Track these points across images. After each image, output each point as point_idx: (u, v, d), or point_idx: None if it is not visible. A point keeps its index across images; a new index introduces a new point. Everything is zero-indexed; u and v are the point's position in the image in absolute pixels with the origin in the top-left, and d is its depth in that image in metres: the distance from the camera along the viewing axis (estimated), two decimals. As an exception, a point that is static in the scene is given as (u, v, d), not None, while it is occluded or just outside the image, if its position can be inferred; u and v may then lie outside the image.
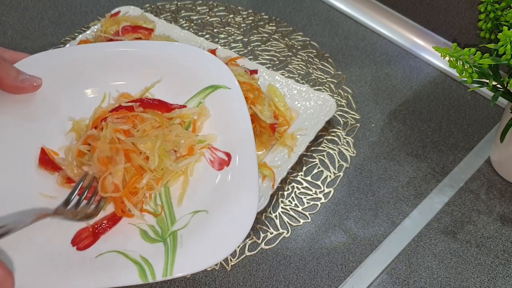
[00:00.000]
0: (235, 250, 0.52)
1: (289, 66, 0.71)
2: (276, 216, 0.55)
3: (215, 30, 0.76)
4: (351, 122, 0.64)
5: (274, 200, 0.56)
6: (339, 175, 0.59)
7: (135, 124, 0.45)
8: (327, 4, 0.81)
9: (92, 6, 0.79)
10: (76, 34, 0.74)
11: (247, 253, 0.52)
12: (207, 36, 0.75)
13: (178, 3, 0.80)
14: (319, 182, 0.58)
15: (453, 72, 0.67)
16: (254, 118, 0.56)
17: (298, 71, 0.71)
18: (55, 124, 0.46)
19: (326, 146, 0.62)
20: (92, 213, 0.42)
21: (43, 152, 0.44)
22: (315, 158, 0.60)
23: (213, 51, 0.65)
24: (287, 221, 0.55)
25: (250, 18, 0.78)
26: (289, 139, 0.57)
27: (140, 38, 0.61)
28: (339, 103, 0.66)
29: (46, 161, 0.44)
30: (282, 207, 0.56)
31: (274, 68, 0.71)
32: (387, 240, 0.53)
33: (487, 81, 0.48)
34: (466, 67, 0.47)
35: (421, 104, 0.67)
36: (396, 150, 0.62)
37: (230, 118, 0.46)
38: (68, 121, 0.47)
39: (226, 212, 0.41)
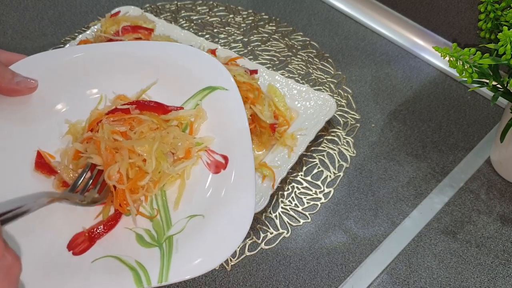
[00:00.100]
0: (235, 250, 0.52)
1: (289, 66, 0.71)
2: (276, 216, 0.55)
3: (215, 30, 0.76)
4: (351, 122, 0.64)
5: (274, 200, 0.56)
6: (339, 175, 0.59)
7: (132, 126, 0.44)
8: (327, 4, 0.81)
9: (92, 6, 0.79)
10: (76, 34, 0.74)
11: (247, 253, 0.52)
12: (207, 36, 0.75)
13: (178, 3, 0.80)
14: (319, 182, 0.58)
15: (453, 72, 0.67)
16: (254, 118, 0.56)
17: (298, 71, 0.71)
18: (51, 127, 0.46)
19: (326, 146, 0.62)
20: (99, 198, 0.42)
21: (39, 156, 0.44)
22: (315, 158, 0.60)
23: (213, 51, 0.65)
24: (287, 221, 0.55)
25: (250, 18, 0.78)
26: (289, 139, 0.57)
27: (140, 38, 0.61)
28: (339, 103, 0.67)
29: (42, 164, 0.43)
30: (282, 207, 0.56)
31: (274, 68, 0.71)
32: (387, 240, 0.53)
33: (487, 81, 0.48)
34: (466, 67, 0.47)
35: (421, 104, 0.67)
36: (396, 150, 0.62)
37: (227, 120, 0.45)
38: (65, 124, 0.46)
39: (222, 217, 0.41)
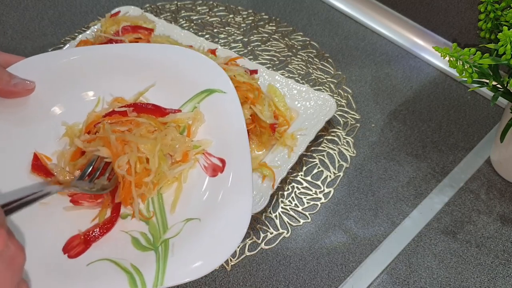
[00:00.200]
0: (235, 250, 0.52)
1: (289, 66, 0.71)
2: (276, 216, 0.55)
3: (215, 30, 0.76)
4: (351, 122, 0.64)
5: (274, 200, 0.56)
6: (339, 175, 0.59)
7: (130, 129, 0.44)
8: (327, 4, 0.81)
9: (92, 6, 0.79)
10: (76, 34, 0.74)
11: (247, 253, 0.52)
12: (207, 36, 0.75)
13: (178, 3, 0.80)
14: (319, 182, 0.58)
15: (453, 72, 0.67)
16: (254, 118, 0.56)
17: (298, 71, 0.71)
18: (48, 129, 0.46)
19: (326, 146, 0.62)
20: (108, 185, 0.42)
21: (36, 158, 0.44)
22: (315, 158, 0.60)
23: (213, 51, 0.65)
24: (287, 221, 0.55)
25: (250, 18, 0.78)
26: (289, 139, 0.57)
27: (140, 38, 0.61)
28: (339, 103, 0.66)
29: (39, 166, 0.43)
30: (282, 207, 0.56)
31: (274, 68, 0.71)
32: (387, 240, 0.53)
33: (487, 81, 0.48)
34: (466, 67, 0.47)
35: (421, 104, 0.67)
36: (396, 150, 0.62)
37: (225, 123, 0.45)
38: (61, 126, 0.46)
39: (219, 221, 0.40)
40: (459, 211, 0.56)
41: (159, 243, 0.40)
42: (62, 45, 0.72)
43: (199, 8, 0.80)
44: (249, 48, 0.74)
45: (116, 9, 0.70)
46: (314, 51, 0.74)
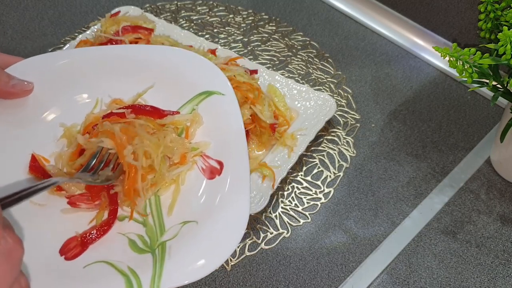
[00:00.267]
0: (235, 250, 0.52)
1: (289, 66, 0.71)
2: (276, 216, 0.55)
3: (215, 30, 0.76)
4: (351, 122, 0.64)
5: (274, 200, 0.56)
6: (339, 175, 0.59)
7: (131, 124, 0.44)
8: (327, 4, 0.81)
9: (92, 6, 0.79)
10: (76, 34, 0.74)
11: (247, 253, 0.52)
12: (207, 36, 0.75)
13: (178, 3, 0.80)
14: (319, 182, 0.58)
15: (453, 72, 0.67)
16: (254, 118, 0.56)
17: (298, 71, 0.71)
18: (46, 130, 0.45)
19: (326, 146, 0.62)
20: (113, 176, 0.41)
21: (34, 159, 0.43)
22: (315, 158, 0.60)
23: (213, 51, 0.65)
24: (287, 221, 0.55)
25: (250, 18, 0.78)
26: (289, 139, 0.57)
27: (140, 38, 0.61)
28: (339, 103, 0.67)
29: (36, 168, 0.43)
30: (282, 207, 0.56)
31: (274, 68, 0.71)
32: (387, 240, 0.53)
33: (487, 81, 0.48)
34: (466, 67, 0.47)
35: (421, 104, 0.67)
36: (396, 150, 0.62)
37: (223, 126, 0.45)
38: (60, 127, 0.46)
39: (216, 224, 0.40)
40: (459, 211, 0.56)
41: (156, 246, 0.40)
42: (62, 45, 0.72)
43: (199, 8, 0.80)
44: (249, 48, 0.74)
45: (116, 9, 0.70)
46: (314, 51, 0.74)
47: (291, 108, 0.62)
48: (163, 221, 0.42)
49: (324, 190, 0.58)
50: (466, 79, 0.47)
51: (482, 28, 0.53)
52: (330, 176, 0.59)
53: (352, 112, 0.66)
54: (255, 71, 0.62)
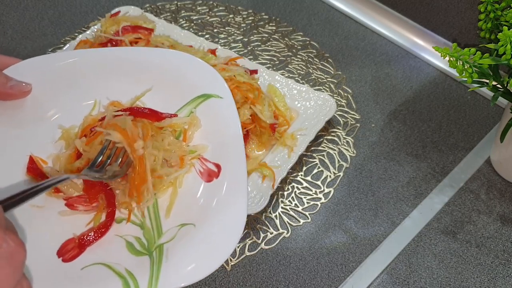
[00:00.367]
0: (235, 250, 0.52)
1: (289, 66, 0.71)
2: (276, 216, 0.55)
3: (215, 30, 0.76)
4: (351, 122, 0.64)
5: (274, 200, 0.56)
6: (339, 175, 0.59)
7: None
8: (327, 4, 0.81)
9: (92, 6, 0.79)
10: (76, 34, 0.74)
11: (247, 253, 0.52)
12: (207, 36, 0.75)
13: (178, 3, 0.80)
14: (319, 182, 0.58)
15: (453, 72, 0.67)
16: (254, 118, 0.56)
17: (298, 71, 0.71)
18: (44, 132, 0.45)
19: (326, 146, 0.62)
20: (120, 171, 0.41)
21: (31, 160, 0.43)
22: (315, 158, 0.60)
23: (213, 51, 0.65)
24: (287, 221, 0.55)
25: (250, 18, 0.78)
26: (289, 139, 0.57)
27: (140, 38, 0.61)
28: (339, 103, 0.67)
29: (34, 169, 0.43)
30: (282, 207, 0.56)
31: (274, 68, 0.71)
32: (387, 240, 0.53)
33: (487, 81, 0.48)
34: (466, 67, 0.47)
35: (421, 104, 0.67)
36: (396, 150, 0.62)
37: (221, 128, 0.45)
38: (58, 129, 0.46)
39: (214, 226, 0.40)
40: (459, 211, 0.56)
41: (154, 248, 0.40)
42: (62, 45, 0.72)
43: (199, 8, 0.80)
44: (249, 48, 0.74)
45: (116, 9, 0.70)
46: (314, 51, 0.74)
47: (291, 108, 0.62)
48: (161, 223, 0.42)
49: (324, 190, 0.58)
50: (466, 79, 0.47)
51: (482, 28, 0.53)
52: (330, 176, 0.59)
53: (352, 112, 0.66)
54: (255, 71, 0.62)
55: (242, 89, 0.55)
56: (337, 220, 0.55)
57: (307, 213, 0.55)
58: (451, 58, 0.47)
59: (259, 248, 0.53)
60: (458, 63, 0.47)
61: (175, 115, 0.46)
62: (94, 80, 0.48)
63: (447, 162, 0.60)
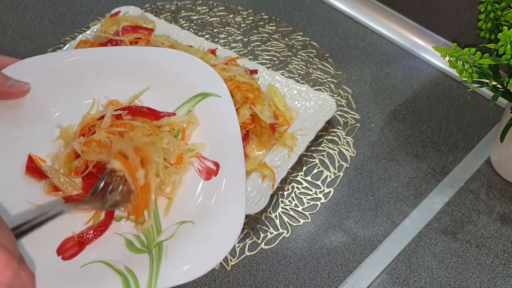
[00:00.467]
0: (235, 250, 0.52)
1: (289, 66, 0.71)
2: (276, 216, 0.55)
3: (215, 30, 0.76)
4: (351, 122, 0.64)
5: (274, 200, 0.56)
6: (339, 175, 0.59)
7: (121, 132, 0.44)
8: (327, 4, 0.81)
9: (92, 6, 0.79)
10: (76, 34, 0.74)
11: (247, 253, 0.52)
12: (207, 36, 0.75)
13: (178, 3, 0.80)
14: (319, 182, 0.58)
15: (453, 72, 0.67)
16: (254, 118, 0.56)
17: (298, 71, 0.71)
18: (43, 131, 0.45)
19: (326, 146, 0.62)
20: (121, 201, 0.41)
21: (30, 159, 0.44)
22: (315, 158, 0.60)
23: (213, 51, 0.65)
24: (287, 221, 0.55)
25: (250, 18, 0.78)
26: (289, 139, 0.57)
27: (140, 38, 0.61)
28: (339, 103, 0.67)
29: (33, 168, 0.43)
30: (282, 207, 0.56)
31: (274, 68, 0.71)
32: (387, 240, 0.53)
33: (487, 81, 0.48)
34: (466, 67, 0.47)
35: (421, 104, 0.67)
36: (396, 150, 0.62)
37: (219, 127, 0.45)
38: (56, 128, 0.46)
39: (213, 224, 0.40)
40: (459, 211, 0.56)
41: (153, 246, 0.40)
42: (62, 45, 0.72)
43: (199, 8, 0.80)
44: (249, 48, 0.74)
45: (116, 9, 0.70)
46: (314, 51, 0.74)
47: (291, 108, 0.62)
48: (160, 221, 0.42)
49: (324, 190, 0.58)
50: (466, 79, 0.47)
51: (482, 28, 0.53)
52: (330, 176, 0.59)
53: (352, 112, 0.66)
54: (255, 71, 0.62)
55: (242, 89, 0.55)
56: (337, 220, 0.55)
57: (307, 213, 0.55)
58: (451, 58, 0.47)
59: (259, 248, 0.53)
60: (458, 63, 0.47)
61: (174, 114, 0.47)
62: (93, 79, 0.48)
63: (447, 162, 0.60)
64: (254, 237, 0.53)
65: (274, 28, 0.77)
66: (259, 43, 0.74)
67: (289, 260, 0.52)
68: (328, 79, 0.70)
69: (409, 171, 0.60)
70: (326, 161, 0.60)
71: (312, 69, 0.71)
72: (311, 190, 0.57)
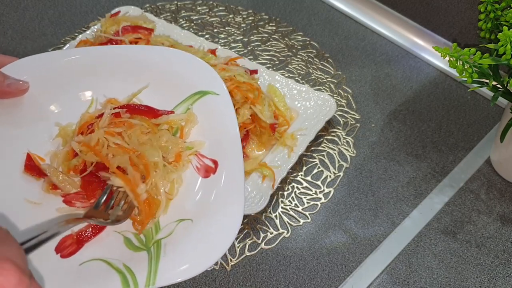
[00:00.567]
0: (235, 250, 0.52)
1: (289, 66, 0.71)
2: (276, 216, 0.55)
3: (215, 30, 0.76)
4: (351, 122, 0.64)
5: (274, 200, 0.56)
6: (339, 175, 0.59)
7: (119, 132, 0.44)
8: (327, 4, 0.81)
9: (92, 6, 0.79)
10: (76, 34, 0.74)
11: (247, 253, 0.52)
12: (207, 36, 0.75)
13: (178, 3, 0.80)
14: (319, 182, 0.58)
15: (453, 72, 0.67)
16: (254, 118, 0.56)
17: (298, 71, 0.71)
18: (41, 129, 0.45)
19: (326, 146, 0.62)
20: (123, 216, 0.41)
21: (29, 158, 0.44)
22: (315, 158, 0.60)
23: (213, 51, 0.65)
24: (287, 221, 0.55)
25: (250, 18, 0.78)
26: (289, 139, 0.57)
27: (140, 38, 0.61)
28: (339, 103, 0.66)
29: (32, 167, 0.43)
30: (282, 207, 0.56)
31: (274, 68, 0.71)
32: (387, 240, 0.53)
33: (487, 81, 0.48)
34: (466, 67, 0.47)
35: (421, 104, 0.67)
36: (396, 150, 0.62)
37: (217, 125, 0.45)
38: (55, 126, 0.46)
39: (211, 221, 0.40)
40: (459, 211, 0.56)
41: (152, 244, 0.40)
42: (62, 45, 0.72)
43: (199, 8, 0.80)
44: (249, 48, 0.74)
45: (116, 9, 0.70)
46: (314, 51, 0.74)
47: (291, 108, 0.62)
48: (158, 219, 0.42)
49: (324, 190, 0.58)
50: (466, 79, 0.47)
51: (482, 28, 0.53)
52: (330, 176, 0.59)
53: (352, 112, 0.66)
54: (255, 71, 0.62)
55: (242, 89, 0.55)
56: (337, 220, 0.55)
57: (307, 213, 0.55)
58: (451, 58, 0.47)
59: (259, 248, 0.53)
60: (458, 63, 0.47)
61: (172, 112, 0.47)
62: (92, 78, 0.48)
63: (447, 162, 0.60)
64: (254, 237, 0.53)
65: (274, 28, 0.77)
66: (259, 43, 0.74)
67: (289, 260, 0.52)
68: (328, 79, 0.70)
69: (409, 171, 0.60)
70: (326, 161, 0.60)
71: (312, 69, 0.71)
72: (311, 190, 0.57)
